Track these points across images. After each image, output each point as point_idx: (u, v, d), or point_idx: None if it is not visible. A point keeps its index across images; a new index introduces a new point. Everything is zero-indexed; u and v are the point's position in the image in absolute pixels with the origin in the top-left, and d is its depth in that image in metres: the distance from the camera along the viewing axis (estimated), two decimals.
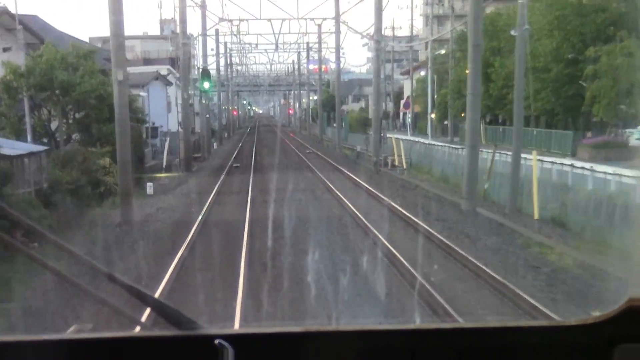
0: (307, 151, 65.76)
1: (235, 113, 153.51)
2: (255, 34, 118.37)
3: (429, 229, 23.44)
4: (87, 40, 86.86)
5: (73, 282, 3.07)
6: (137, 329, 3.14)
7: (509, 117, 70.70)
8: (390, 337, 3.02)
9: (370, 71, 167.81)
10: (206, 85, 60.31)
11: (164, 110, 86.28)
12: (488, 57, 67.64)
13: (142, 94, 64.46)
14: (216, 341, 2.86)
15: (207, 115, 70.99)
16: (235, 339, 2.89)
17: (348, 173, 43.48)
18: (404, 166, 46.08)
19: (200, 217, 26.51)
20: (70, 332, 3.22)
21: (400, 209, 27.76)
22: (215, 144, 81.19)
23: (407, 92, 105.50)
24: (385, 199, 30.72)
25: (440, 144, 58.67)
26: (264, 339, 2.99)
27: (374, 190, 33.43)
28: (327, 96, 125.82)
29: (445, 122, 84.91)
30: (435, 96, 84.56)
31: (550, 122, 57.69)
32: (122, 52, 29.70)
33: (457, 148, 46.66)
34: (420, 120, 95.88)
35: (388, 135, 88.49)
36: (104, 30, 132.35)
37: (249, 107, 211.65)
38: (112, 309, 3.05)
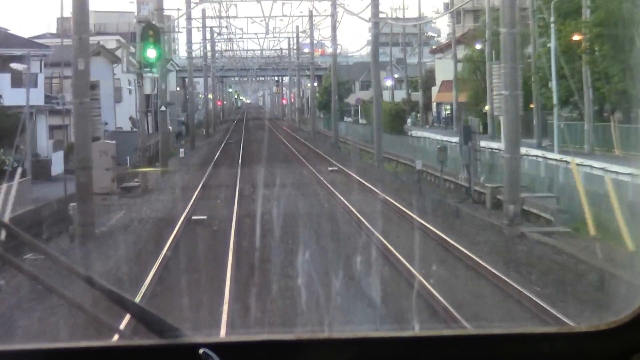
0: (330, 169, 36.73)
1: (219, 103, 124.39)
2: None
3: None
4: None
5: (49, 286, 2.83)
6: (116, 337, 2.91)
7: None
8: (388, 345, 2.72)
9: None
10: (151, 53, 31.30)
11: (109, 99, 57.45)
12: (632, 11, 39.07)
13: (18, 66, 35.41)
14: (201, 350, 2.59)
15: (164, 108, 41.78)
16: (221, 348, 2.63)
17: (492, 271, 14.96)
18: (591, 231, 16.97)
19: None
20: (46, 342, 2.95)
21: None
22: (182, 151, 51.94)
23: (440, 76, 76.68)
24: None
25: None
26: (253, 348, 2.71)
27: None
28: (330, 84, 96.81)
29: None
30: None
31: None
32: None
33: None
34: (470, 113, 66.90)
35: (413, 132, 59.68)
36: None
37: (235, 97, 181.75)
38: (89, 316, 2.77)
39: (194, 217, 22.48)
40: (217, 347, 2.62)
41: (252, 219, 22.19)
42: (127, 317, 3.22)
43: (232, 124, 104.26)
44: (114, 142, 32.50)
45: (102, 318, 2.80)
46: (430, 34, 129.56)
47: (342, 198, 25.72)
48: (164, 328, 2.67)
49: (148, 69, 34.62)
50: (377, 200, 25.77)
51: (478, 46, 57.50)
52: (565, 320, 11.69)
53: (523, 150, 35.15)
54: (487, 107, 60.96)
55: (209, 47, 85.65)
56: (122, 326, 3.35)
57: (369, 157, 50.60)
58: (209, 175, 35.98)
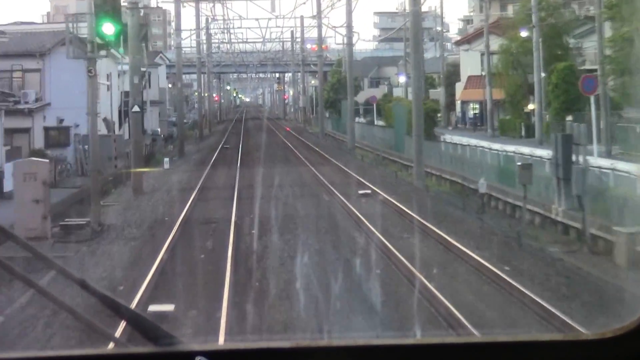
0: (361, 192, 26.43)
1: (217, 98, 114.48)
2: None
3: None
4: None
5: (42, 291, 2.74)
6: (111, 345, 2.77)
7: None
8: (389, 353, 2.61)
9: (380, 49, 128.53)
10: (108, 29, 21.20)
11: (81, 96, 47.21)
12: None
13: None
14: (197, 358, 2.49)
15: (137, 108, 31.74)
16: (218, 356, 2.55)
17: None
18: None
19: None
20: (38, 350, 2.25)
21: None
22: (166, 161, 41.85)
23: (466, 71, 66.59)
24: None
25: None
26: (250, 356, 2.59)
27: None
28: (339, 79, 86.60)
29: (569, 119, 46.10)
30: (543, 74, 45.93)
31: None
32: None
33: None
34: (505, 113, 56.91)
35: (446, 137, 49.33)
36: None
37: (234, 95, 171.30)
38: (83, 322, 2.67)
39: (152, 309, 12.26)
40: (214, 355, 2.51)
41: (256, 305, 12.15)
42: (122, 323, 2.90)
43: (230, 124, 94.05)
44: (46, 160, 22.34)
45: (96, 324, 2.69)
46: (439, 28, 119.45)
47: (397, 254, 15.52)
48: (159, 335, 2.54)
49: (105, 52, 24.51)
50: (461, 262, 15.60)
51: (524, 33, 47.38)
52: None
53: (597, 161, 25.23)
54: (530, 106, 50.96)
55: (203, 37, 75.57)
56: (117, 333, 3.16)
57: (396, 168, 40.54)
58: (194, 199, 25.89)
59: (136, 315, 2.63)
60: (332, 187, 27.55)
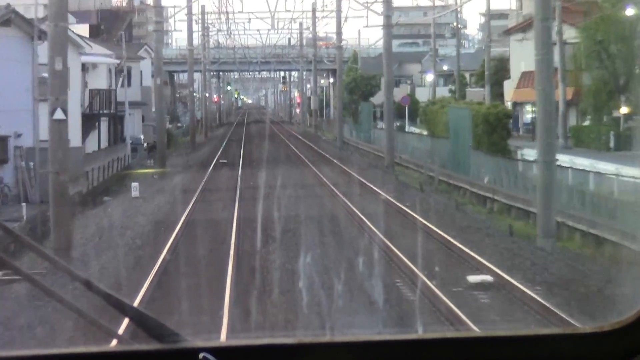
0: (473, 279, 13.39)
1: (215, 100, 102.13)
2: None
3: None
4: None
5: (47, 290, 2.64)
6: (115, 342, 2.69)
7: None
8: (391, 349, 2.59)
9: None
10: None
11: (26, 95, 34.82)
12: None
13: None
14: (201, 355, 2.44)
15: (61, 115, 18.52)
16: (221, 352, 2.49)
17: None
18: None
19: None
20: (43, 347, 2.48)
21: None
22: (135, 187, 29.07)
23: (518, 66, 53.93)
24: None
25: None
26: (253, 352, 2.55)
27: None
28: (355, 77, 74.18)
29: None
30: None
31: None
32: None
33: None
34: (579, 117, 44.19)
35: (524, 151, 36.08)
36: None
37: (235, 97, 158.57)
38: (87, 320, 2.62)
39: None
40: (218, 352, 2.45)
41: None
42: (126, 321, 2.84)
43: (230, 128, 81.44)
44: None
45: (100, 322, 2.64)
46: (455, 24, 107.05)
47: None
48: (163, 332, 2.49)
49: None
50: None
51: (630, 11, 34.61)
52: None
53: None
54: (622, 109, 38.24)
55: (199, 33, 63.06)
56: (121, 331, 3.02)
57: (467, 199, 27.83)
58: (154, 282, 13.25)
59: (140, 314, 2.54)
60: (408, 262, 14.62)
